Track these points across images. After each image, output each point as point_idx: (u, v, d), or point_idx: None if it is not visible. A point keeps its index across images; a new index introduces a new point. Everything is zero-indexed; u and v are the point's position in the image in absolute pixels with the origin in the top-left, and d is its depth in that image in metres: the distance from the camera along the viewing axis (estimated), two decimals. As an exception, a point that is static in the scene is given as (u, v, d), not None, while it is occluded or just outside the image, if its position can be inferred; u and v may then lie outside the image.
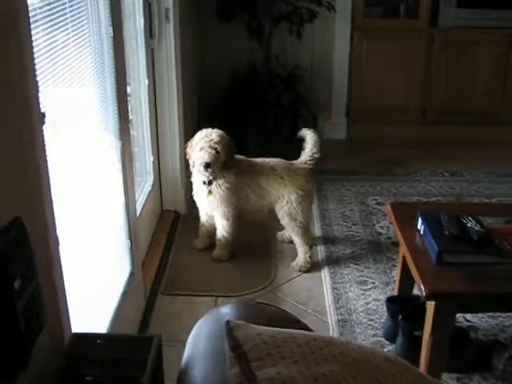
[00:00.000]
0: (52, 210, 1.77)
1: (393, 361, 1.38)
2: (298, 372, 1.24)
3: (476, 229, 2.66)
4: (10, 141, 1.54)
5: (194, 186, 3.74)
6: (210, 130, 3.56)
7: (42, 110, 1.76)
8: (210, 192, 3.64)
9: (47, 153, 1.78)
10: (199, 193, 3.72)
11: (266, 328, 1.41)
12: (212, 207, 3.72)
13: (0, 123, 1.49)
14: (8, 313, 1.34)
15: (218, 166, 3.51)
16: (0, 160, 1.48)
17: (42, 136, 1.74)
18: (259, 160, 3.73)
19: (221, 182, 3.60)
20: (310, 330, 1.72)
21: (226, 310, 1.70)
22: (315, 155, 3.69)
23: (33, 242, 1.49)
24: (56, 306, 1.78)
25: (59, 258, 1.83)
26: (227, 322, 1.41)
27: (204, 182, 3.62)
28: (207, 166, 3.47)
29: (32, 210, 1.64)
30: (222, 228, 3.75)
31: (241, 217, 3.76)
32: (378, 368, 1.32)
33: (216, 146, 3.47)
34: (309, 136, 3.70)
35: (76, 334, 1.83)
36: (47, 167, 1.76)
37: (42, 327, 1.49)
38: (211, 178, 3.58)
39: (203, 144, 3.49)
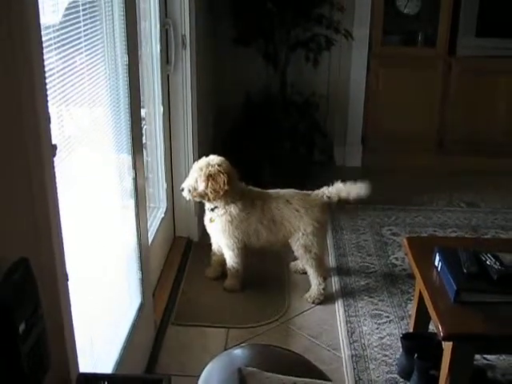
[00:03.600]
0: (61, 247, 1.72)
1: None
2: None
3: (496, 267, 2.58)
4: (17, 175, 1.50)
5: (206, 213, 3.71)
6: (205, 158, 3.52)
7: (54, 142, 1.72)
8: (211, 219, 3.61)
9: (57, 184, 1.73)
10: (207, 220, 3.68)
11: (279, 377, 1.36)
12: (215, 236, 3.69)
13: (7, 157, 1.45)
14: (12, 358, 1.29)
15: (198, 193, 3.48)
16: (5, 197, 1.44)
17: (53, 169, 1.69)
18: (272, 192, 3.63)
19: (221, 212, 3.54)
20: (325, 375, 1.67)
21: (239, 354, 1.64)
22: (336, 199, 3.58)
23: (40, 281, 1.44)
24: (63, 347, 1.73)
25: (68, 295, 1.78)
26: (239, 370, 1.36)
27: (208, 209, 3.61)
28: (182, 189, 3.56)
29: (39, 249, 1.58)
30: (229, 258, 3.70)
31: (250, 249, 3.68)
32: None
33: (195, 174, 3.48)
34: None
35: (83, 375, 1.77)
36: (57, 202, 1.70)
37: (47, 371, 1.44)
38: (212, 206, 3.55)
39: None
